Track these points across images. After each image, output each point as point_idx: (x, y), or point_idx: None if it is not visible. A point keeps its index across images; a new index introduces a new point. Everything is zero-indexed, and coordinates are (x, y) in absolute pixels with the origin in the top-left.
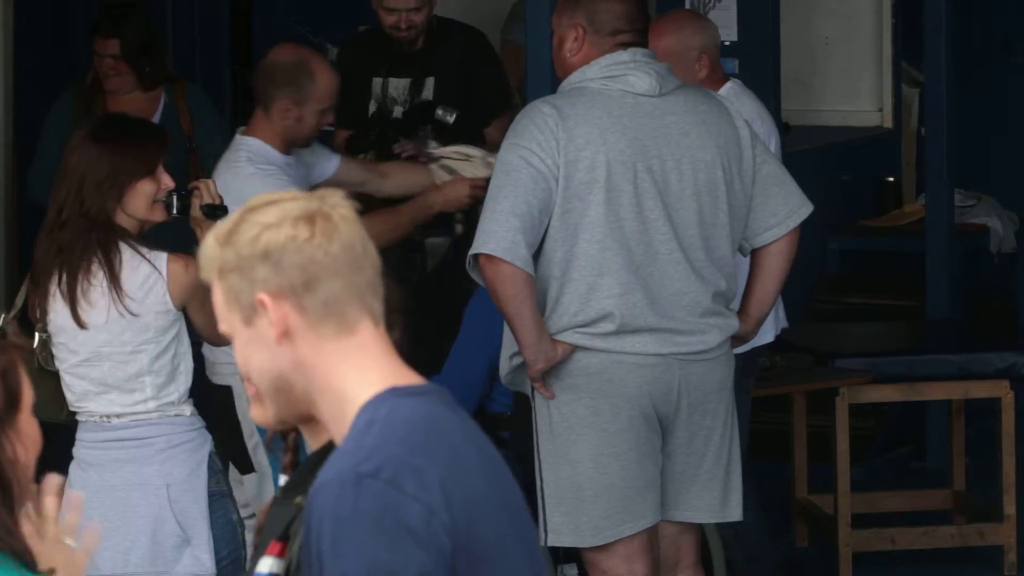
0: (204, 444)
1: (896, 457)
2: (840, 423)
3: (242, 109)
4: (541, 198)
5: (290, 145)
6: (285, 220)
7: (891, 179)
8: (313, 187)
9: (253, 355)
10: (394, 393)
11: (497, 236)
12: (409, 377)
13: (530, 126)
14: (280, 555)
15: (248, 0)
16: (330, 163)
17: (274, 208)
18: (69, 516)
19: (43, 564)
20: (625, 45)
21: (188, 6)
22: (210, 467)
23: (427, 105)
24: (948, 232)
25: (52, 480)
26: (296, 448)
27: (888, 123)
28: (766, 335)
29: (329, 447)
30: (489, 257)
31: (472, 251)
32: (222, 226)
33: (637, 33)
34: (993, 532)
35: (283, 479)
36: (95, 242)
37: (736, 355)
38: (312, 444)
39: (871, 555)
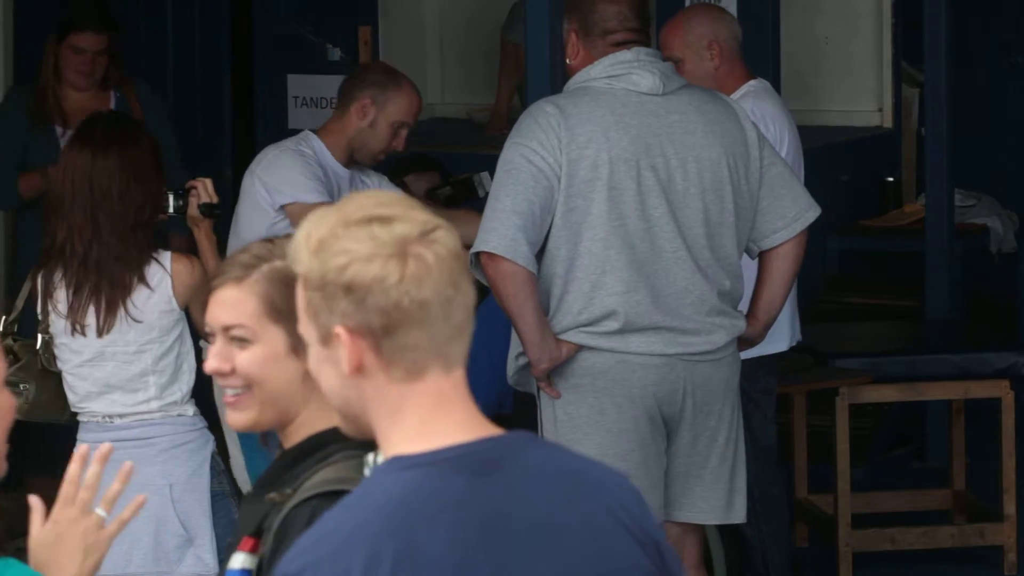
0: (206, 444)
1: (896, 457)
2: (840, 423)
3: (242, 109)
4: (542, 196)
5: (353, 155)
6: (377, 256)
7: (891, 179)
8: None
9: (324, 373)
10: (393, 465)
11: (498, 234)
12: (451, 433)
13: (532, 125)
14: (252, 551)
15: (248, 0)
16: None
17: (367, 233)
18: (113, 487)
19: (55, 530)
20: (620, 45)
21: (188, 6)
22: (212, 467)
23: None
24: (948, 232)
25: (83, 448)
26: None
27: (888, 123)
28: (780, 343)
29: (304, 445)
30: (490, 255)
31: (473, 249)
32: (318, 229)
33: (632, 32)
34: (993, 532)
35: None
36: (121, 251)
37: (749, 358)
38: (285, 444)
39: (871, 555)
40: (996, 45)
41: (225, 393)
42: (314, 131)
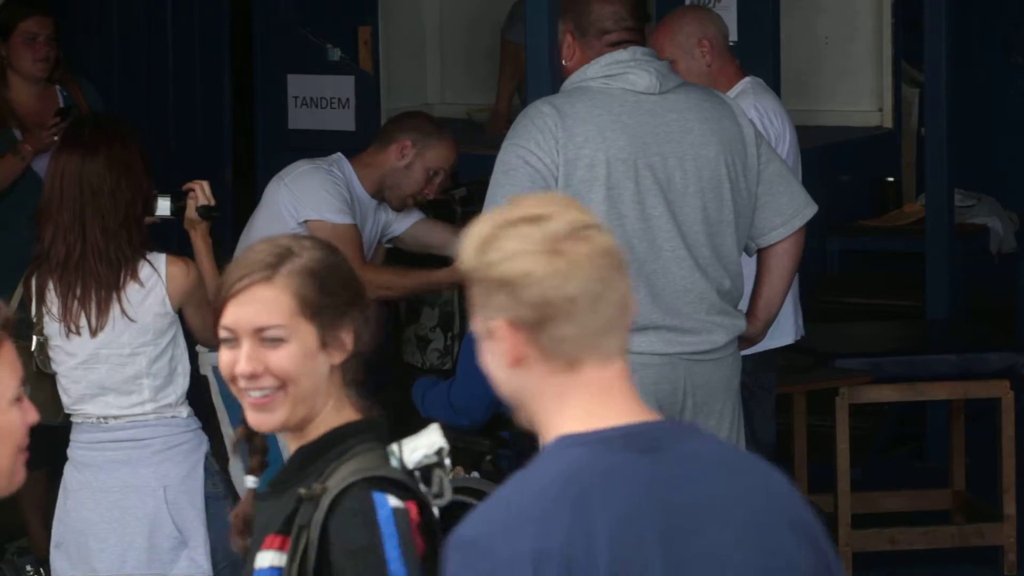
0: (200, 445)
1: (896, 457)
2: (840, 423)
3: (242, 109)
4: None
5: (384, 194)
6: (527, 251)
7: (891, 179)
8: (387, 241)
9: (492, 366)
10: (561, 443)
11: None
12: (615, 416)
13: (529, 125)
14: (281, 548)
15: (248, 0)
16: (408, 218)
17: (521, 232)
18: None
19: None
20: (616, 44)
21: (188, 6)
22: (207, 468)
23: None
24: (948, 232)
25: None
26: (263, 451)
27: (888, 123)
28: (785, 336)
29: (321, 441)
30: None
31: None
32: (481, 229)
33: (628, 32)
34: (993, 532)
35: (250, 480)
36: (106, 250)
37: (752, 353)
38: (300, 442)
39: (871, 555)
40: (996, 45)
41: (249, 396)
42: (347, 157)
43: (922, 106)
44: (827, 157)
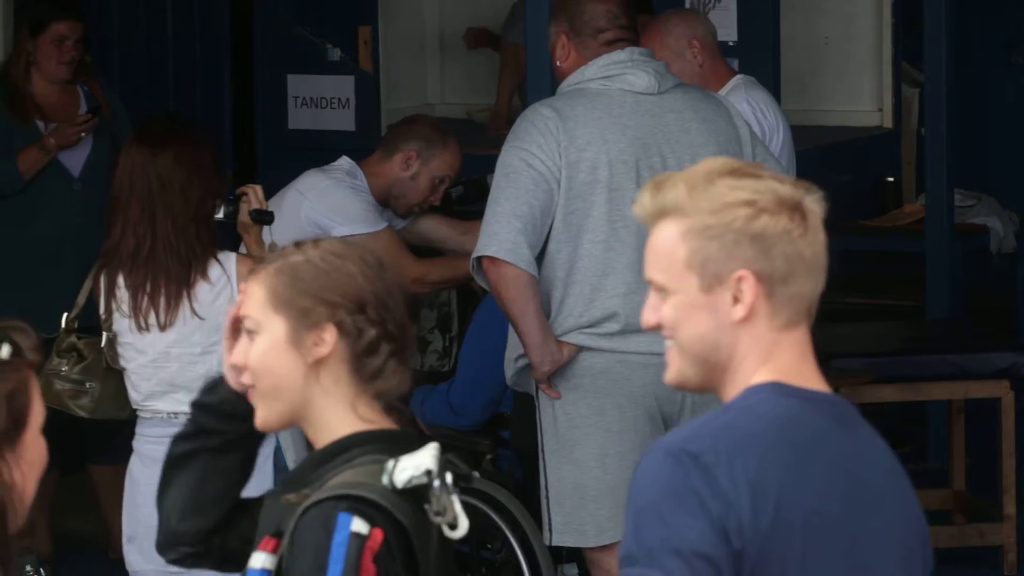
0: (269, 442)
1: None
2: None
3: (242, 109)
4: (542, 200)
5: (387, 200)
6: (782, 208)
7: (891, 179)
8: None
9: (695, 320)
10: (774, 388)
11: (499, 238)
12: (813, 381)
13: (530, 128)
14: (273, 551)
15: (248, 0)
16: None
17: (764, 186)
18: None
19: None
20: (611, 43)
21: (188, 6)
22: (275, 464)
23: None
24: (948, 232)
25: None
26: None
27: (888, 123)
28: None
29: (329, 448)
30: (492, 259)
31: (475, 254)
32: (698, 176)
33: (622, 30)
34: (993, 532)
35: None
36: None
37: None
38: (316, 443)
39: None
40: (996, 45)
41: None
42: (350, 159)
43: (922, 106)
44: (827, 157)
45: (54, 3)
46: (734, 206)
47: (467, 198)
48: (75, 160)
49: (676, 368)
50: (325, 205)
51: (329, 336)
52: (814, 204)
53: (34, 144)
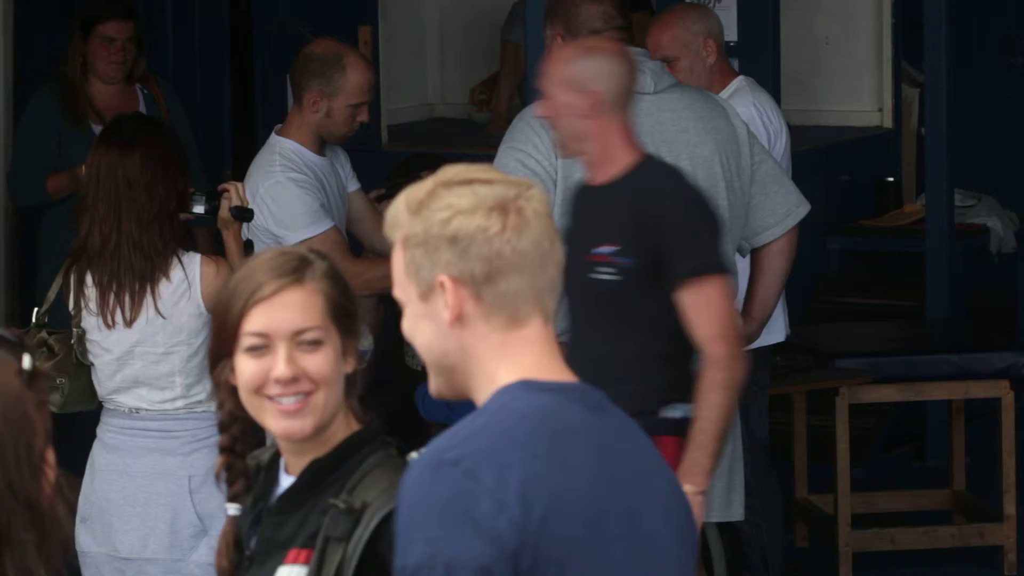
0: None
1: (896, 457)
2: (840, 423)
3: (242, 109)
4: None
5: (324, 142)
6: (479, 208)
7: (891, 179)
8: None
9: (421, 329)
10: (523, 386)
11: None
12: (559, 374)
13: (526, 129)
14: (305, 562)
15: (248, 0)
16: (350, 185)
17: (469, 190)
18: None
19: None
20: None
21: (188, 6)
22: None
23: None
24: (948, 232)
25: None
26: (247, 475)
27: (888, 123)
28: (777, 334)
29: (336, 453)
30: None
31: None
32: (415, 194)
33: (617, 31)
34: (993, 532)
35: (232, 508)
36: (140, 240)
37: (748, 350)
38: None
39: (871, 555)
40: (996, 45)
41: (280, 403)
42: (278, 128)
43: (922, 106)
44: (827, 157)
45: (103, 2)
46: (433, 212)
47: None
48: None
49: (431, 379)
50: (272, 217)
51: (355, 348)
52: (528, 201)
53: (68, 171)
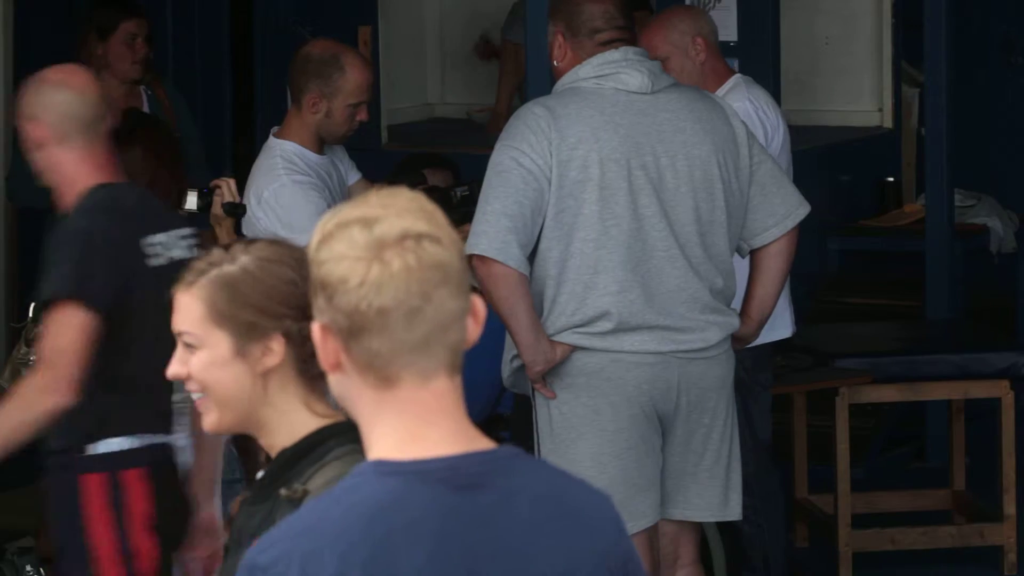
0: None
1: (896, 457)
2: (840, 423)
3: (242, 109)
4: (533, 198)
5: (324, 142)
6: (347, 257)
7: (891, 179)
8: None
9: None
10: (376, 468)
11: (488, 236)
12: (434, 446)
13: (521, 127)
14: None
15: (248, 0)
16: (350, 177)
17: (348, 234)
18: None
19: None
20: (607, 44)
21: (188, 6)
22: (225, 454)
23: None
24: (948, 232)
25: None
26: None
27: (888, 123)
28: (783, 330)
29: (302, 444)
30: (481, 258)
31: (465, 252)
32: (327, 225)
33: (619, 31)
34: (993, 532)
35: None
36: None
37: (751, 349)
38: (268, 450)
39: (871, 555)
40: (996, 45)
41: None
42: (276, 130)
43: (922, 106)
44: (827, 157)
45: (120, 4)
46: (319, 251)
47: (472, 199)
48: None
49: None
50: (279, 221)
51: (277, 346)
52: (405, 252)
53: None
